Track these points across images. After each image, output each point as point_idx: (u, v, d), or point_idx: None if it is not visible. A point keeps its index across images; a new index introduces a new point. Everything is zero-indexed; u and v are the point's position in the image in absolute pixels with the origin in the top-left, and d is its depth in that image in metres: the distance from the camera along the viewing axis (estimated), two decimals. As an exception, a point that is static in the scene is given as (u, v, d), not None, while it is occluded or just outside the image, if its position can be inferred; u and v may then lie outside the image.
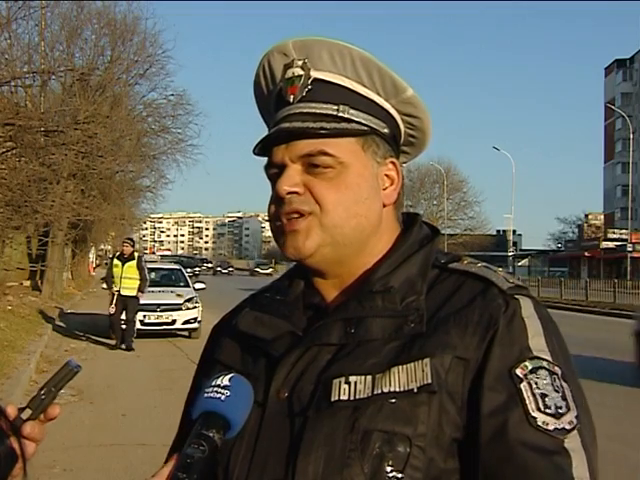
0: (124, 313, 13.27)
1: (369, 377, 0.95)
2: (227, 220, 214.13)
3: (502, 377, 0.93)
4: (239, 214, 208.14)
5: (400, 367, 0.95)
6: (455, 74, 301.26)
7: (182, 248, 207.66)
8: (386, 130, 1.08)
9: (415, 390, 0.93)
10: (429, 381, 0.93)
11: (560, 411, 0.92)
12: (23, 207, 15.04)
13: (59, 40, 19.85)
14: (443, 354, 0.95)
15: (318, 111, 1.04)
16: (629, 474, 5.91)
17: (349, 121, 1.04)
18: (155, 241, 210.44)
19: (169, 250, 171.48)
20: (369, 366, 0.96)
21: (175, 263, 21.20)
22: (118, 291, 13.25)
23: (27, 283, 24.70)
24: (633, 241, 50.02)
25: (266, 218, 1.09)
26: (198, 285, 17.68)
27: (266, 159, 1.07)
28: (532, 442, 0.90)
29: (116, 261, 13.57)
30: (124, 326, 13.28)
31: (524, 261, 70.77)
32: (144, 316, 14.52)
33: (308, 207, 1.02)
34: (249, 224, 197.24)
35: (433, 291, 1.02)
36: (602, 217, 73.55)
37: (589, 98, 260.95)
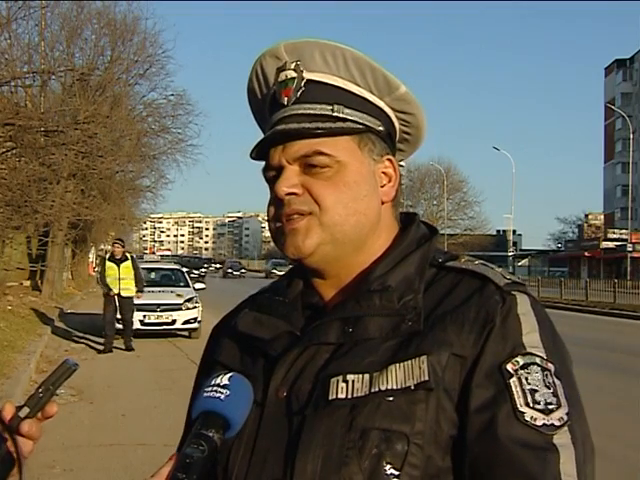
0: (120, 314, 13.13)
1: (367, 375, 0.95)
2: (227, 220, 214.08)
3: (492, 372, 0.94)
4: (239, 214, 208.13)
5: (397, 365, 0.95)
6: (455, 74, 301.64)
7: (182, 248, 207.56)
8: (381, 128, 1.08)
9: (412, 387, 0.93)
10: (426, 378, 0.93)
11: (550, 407, 0.92)
12: (23, 207, 15.05)
13: (59, 40, 19.88)
14: (440, 351, 0.95)
15: (313, 112, 1.04)
16: (629, 474, 5.91)
17: (344, 120, 1.05)
18: (155, 241, 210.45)
19: (169, 250, 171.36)
20: (367, 364, 0.96)
21: (176, 264, 21.03)
22: (118, 293, 13.10)
23: (27, 283, 24.71)
24: (633, 241, 50.00)
25: (266, 218, 1.09)
26: (198, 285, 17.68)
27: (264, 162, 1.08)
28: (520, 437, 0.90)
29: (109, 263, 13.29)
30: (120, 327, 13.18)
31: (524, 261, 70.79)
32: (144, 316, 14.52)
33: (307, 207, 1.03)
34: (249, 224, 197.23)
35: (430, 289, 1.02)
36: (602, 217, 73.58)
37: (589, 98, 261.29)
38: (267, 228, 1.12)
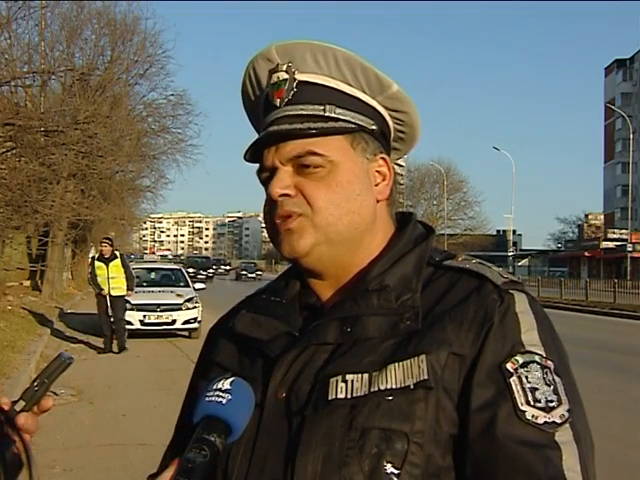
0: (112, 313, 12.88)
1: (366, 375, 0.95)
2: (227, 220, 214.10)
3: (492, 372, 0.94)
4: (239, 214, 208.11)
5: (396, 364, 0.95)
6: (455, 74, 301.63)
7: (182, 248, 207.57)
8: (374, 127, 1.08)
9: (412, 386, 0.93)
10: (425, 377, 0.93)
11: (551, 405, 0.92)
12: (23, 207, 15.04)
13: (59, 40, 19.89)
14: (439, 350, 0.95)
15: (305, 112, 1.05)
16: (629, 474, 5.92)
17: (336, 120, 1.05)
18: (155, 241, 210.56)
19: (169, 250, 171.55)
20: (366, 364, 0.96)
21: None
22: (109, 293, 12.86)
23: (27, 283, 24.72)
24: (633, 241, 50.01)
25: None
26: (198, 285, 17.68)
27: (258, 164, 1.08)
28: (521, 436, 0.90)
29: (98, 263, 13.03)
30: (114, 327, 12.97)
31: (524, 261, 70.82)
32: (144, 316, 14.53)
33: (299, 209, 1.03)
34: (249, 224, 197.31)
35: (428, 288, 1.03)
36: (602, 217, 73.57)
37: (589, 98, 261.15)
38: (266, 229, 1.12)
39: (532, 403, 0.92)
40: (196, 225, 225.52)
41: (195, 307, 15.04)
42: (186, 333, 15.18)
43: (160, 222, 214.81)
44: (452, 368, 0.95)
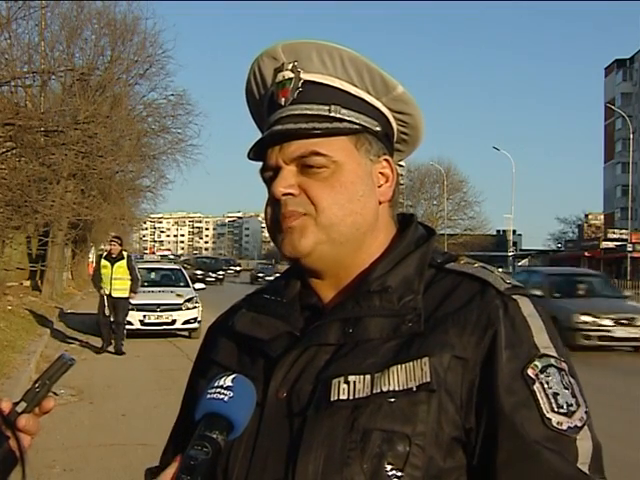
0: (113, 315, 12.64)
1: (368, 376, 0.95)
2: (227, 220, 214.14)
3: (515, 379, 0.95)
4: (239, 214, 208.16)
5: (399, 366, 0.95)
6: (455, 74, 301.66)
7: (182, 248, 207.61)
8: (378, 128, 1.08)
9: (414, 389, 0.94)
10: (428, 380, 0.94)
11: (571, 409, 0.95)
12: (23, 207, 15.03)
13: (59, 40, 19.86)
14: (442, 353, 0.95)
15: (310, 112, 1.04)
16: (629, 474, 5.92)
17: (341, 120, 1.05)
18: (155, 241, 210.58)
19: (169, 250, 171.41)
20: (368, 365, 0.96)
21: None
22: (109, 294, 12.61)
23: (27, 283, 24.70)
24: (633, 241, 50.01)
25: None
26: (198, 285, 17.69)
27: (261, 163, 1.08)
28: (548, 443, 0.92)
29: (104, 261, 12.73)
30: (113, 327, 12.77)
31: (524, 261, 70.70)
32: (144, 316, 14.52)
33: (303, 208, 1.03)
34: (249, 224, 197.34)
35: (430, 291, 1.03)
36: (602, 217, 73.63)
37: (589, 98, 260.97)
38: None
39: (556, 409, 0.94)
40: (196, 225, 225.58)
41: (195, 307, 15.05)
42: (186, 333, 15.18)
43: (160, 222, 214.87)
44: (455, 371, 0.95)
